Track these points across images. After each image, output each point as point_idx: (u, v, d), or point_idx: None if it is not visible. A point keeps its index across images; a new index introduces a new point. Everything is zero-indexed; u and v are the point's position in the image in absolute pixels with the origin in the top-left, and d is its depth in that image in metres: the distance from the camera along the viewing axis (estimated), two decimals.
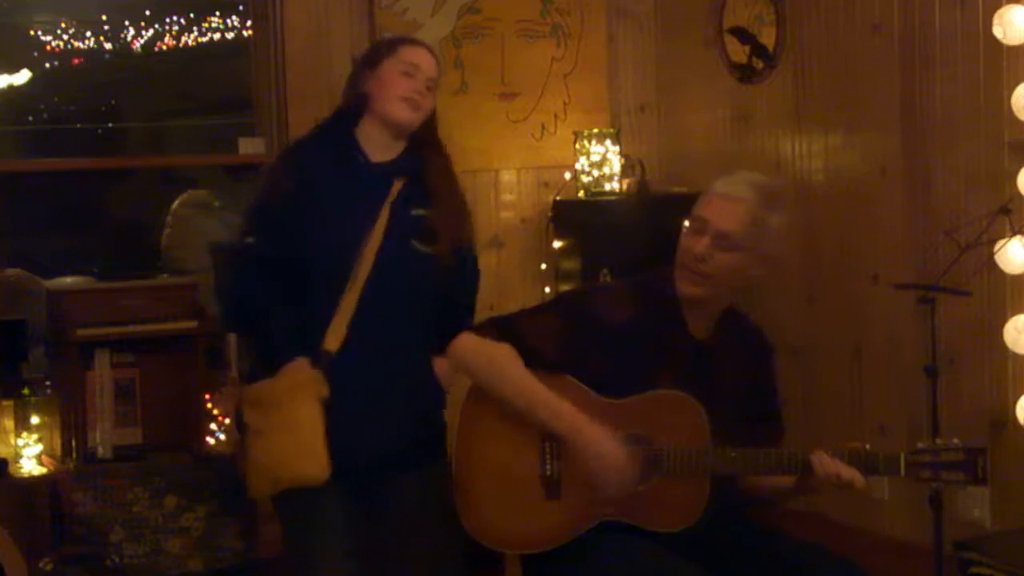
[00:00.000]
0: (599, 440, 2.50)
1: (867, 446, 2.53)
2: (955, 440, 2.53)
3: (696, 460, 2.51)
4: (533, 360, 2.57)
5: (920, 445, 2.52)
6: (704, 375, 2.61)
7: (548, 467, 2.57)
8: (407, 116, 2.93)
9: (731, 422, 2.57)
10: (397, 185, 2.93)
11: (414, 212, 2.94)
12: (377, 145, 2.95)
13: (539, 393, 2.54)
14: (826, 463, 2.48)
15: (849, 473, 2.48)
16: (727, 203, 2.58)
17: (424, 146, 3.00)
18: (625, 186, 4.80)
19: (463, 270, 3.06)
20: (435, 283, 2.95)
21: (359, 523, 2.87)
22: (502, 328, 2.64)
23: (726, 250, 2.56)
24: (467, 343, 2.65)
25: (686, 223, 2.63)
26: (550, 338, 2.60)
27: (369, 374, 2.84)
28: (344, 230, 2.86)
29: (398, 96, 2.91)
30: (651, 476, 2.53)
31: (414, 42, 3.05)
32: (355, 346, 2.83)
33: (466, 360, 2.65)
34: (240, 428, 2.90)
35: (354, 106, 2.97)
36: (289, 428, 2.75)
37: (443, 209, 2.97)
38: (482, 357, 2.61)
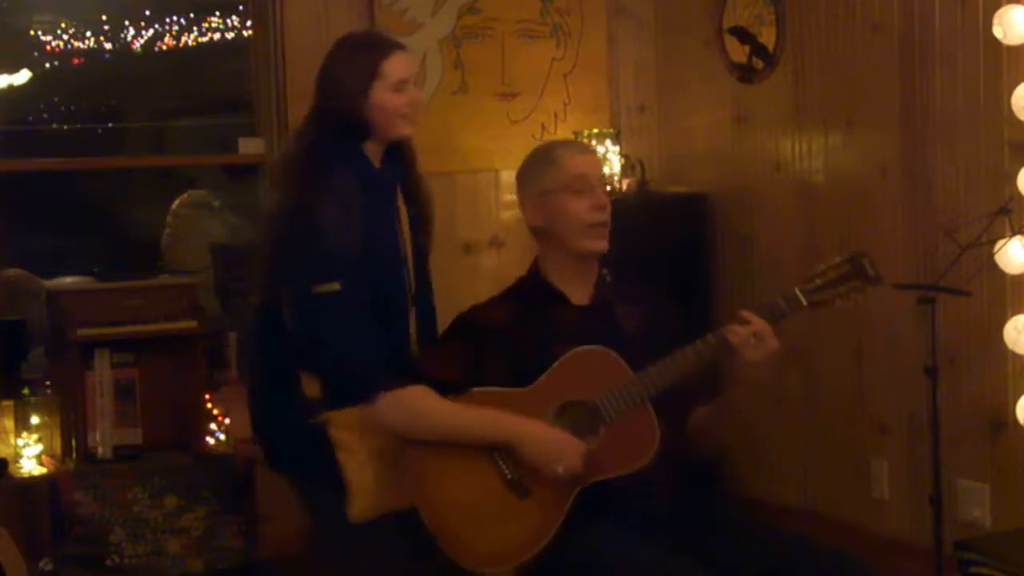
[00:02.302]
0: (531, 430, 2.57)
1: (763, 301, 2.59)
2: (835, 258, 2.58)
3: (628, 392, 2.56)
4: (446, 390, 2.63)
5: (808, 273, 2.58)
6: (600, 331, 2.67)
7: (507, 471, 2.60)
8: (409, 131, 2.95)
9: (649, 357, 2.60)
10: (396, 189, 2.97)
11: (411, 210, 3.00)
12: (376, 155, 2.96)
13: (463, 415, 2.62)
14: (737, 331, 2.53)
15: (758, 327, 2.52)
16: (588, 155, 2.88)
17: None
18: (625, 186, 4.80)
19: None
20: None
21: None
22: (409, 374, 2.69)
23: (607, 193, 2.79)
24: (382, 404, 2.65)
25: (542, 196, 2.72)
26: (453, 364, 2.69)
27: None
28: (389, 246, 2.89)
29: (398, 115, 2.90)
30: (599, 429, 2.58)
31: (389, 50, 2.91)
32: None
33: (388, 420, 2.66)
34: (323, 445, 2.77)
35: (358, 132, 2.91)
36: (380, 455, 2.74)
37: (428, 201, 3.04)
38: (399, 411, 2.65)
